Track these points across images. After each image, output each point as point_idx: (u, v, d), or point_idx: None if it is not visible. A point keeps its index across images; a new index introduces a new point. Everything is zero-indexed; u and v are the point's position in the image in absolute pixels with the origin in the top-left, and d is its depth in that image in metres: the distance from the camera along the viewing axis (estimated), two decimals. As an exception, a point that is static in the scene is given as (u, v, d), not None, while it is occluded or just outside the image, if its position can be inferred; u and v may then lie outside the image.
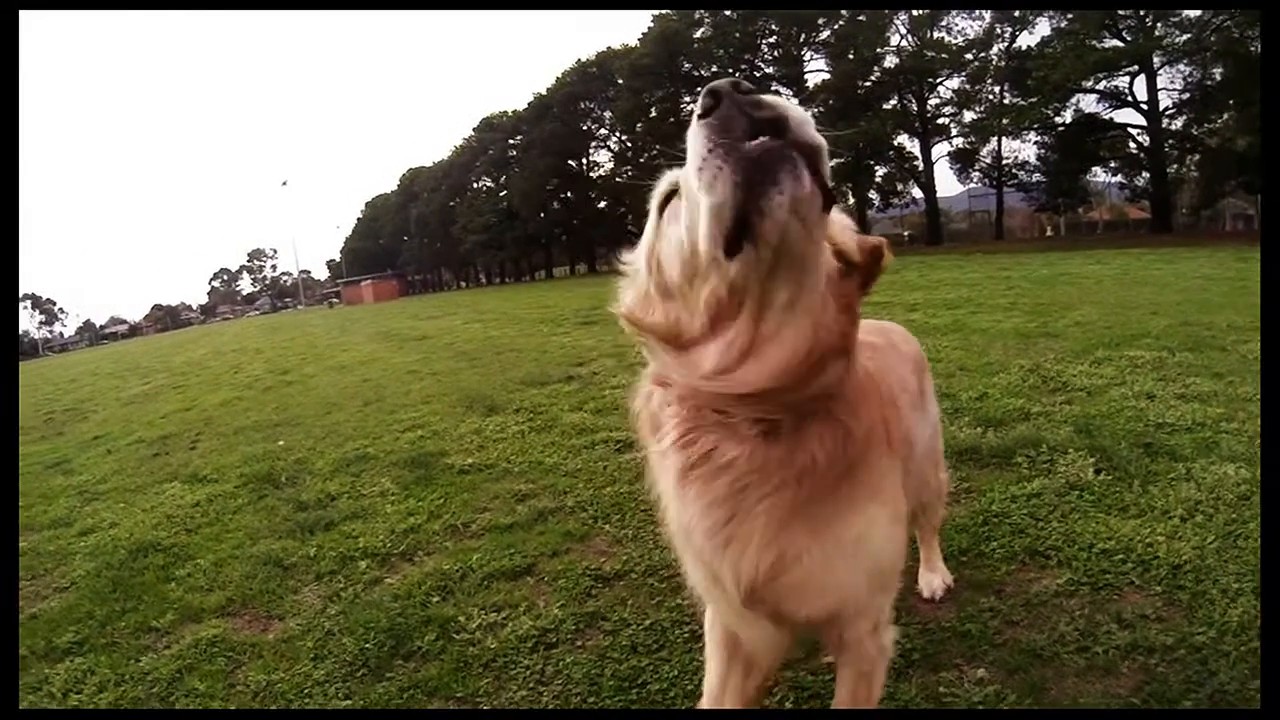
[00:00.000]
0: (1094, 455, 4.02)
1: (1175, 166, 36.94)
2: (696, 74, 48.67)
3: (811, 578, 1.49)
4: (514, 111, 63.88)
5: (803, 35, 45.15)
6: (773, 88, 46.60)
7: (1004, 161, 42.03)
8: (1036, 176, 41.27)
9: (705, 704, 1.93)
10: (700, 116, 1.17)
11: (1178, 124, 35.84)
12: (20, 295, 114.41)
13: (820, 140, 1.18)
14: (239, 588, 3.76)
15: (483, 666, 2.77)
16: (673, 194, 1.36)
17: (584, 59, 56.01)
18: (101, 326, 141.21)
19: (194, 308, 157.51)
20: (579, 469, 4.95)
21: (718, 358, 1.28)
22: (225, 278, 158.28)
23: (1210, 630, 2.46)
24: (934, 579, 2.87)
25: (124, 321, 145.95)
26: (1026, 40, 38.73)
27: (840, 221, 1.38)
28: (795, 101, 1.26)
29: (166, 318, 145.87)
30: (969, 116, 41.57)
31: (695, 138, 1.17)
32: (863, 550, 1.52)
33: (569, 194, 60.97)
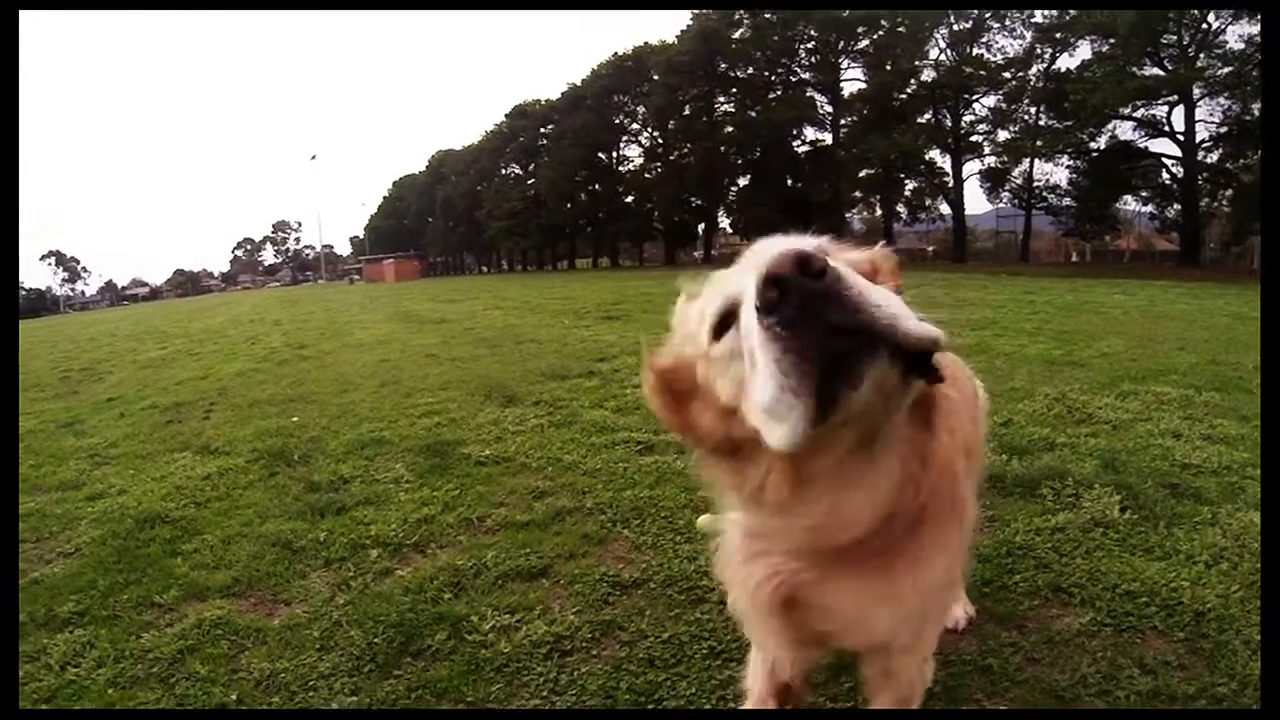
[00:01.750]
0: (1120, 492, 3.94)
1: (1207, 200, 36.42)
2: (733, 74, 48.60)
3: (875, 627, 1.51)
4: (547, 100, 63.76)
5: (841, 42, 44.84)
6: (808, 94, 46.45)
7: (1035, 184, 41.54)
8: (1066, 201, 40.73)
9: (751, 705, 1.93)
10: (761, 311, 1.02)
11: (1213, 157, 35.31)
12: (45, 252, 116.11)
13: (923, 332, 1.04)
14: (246, 568, 3.73)
15: (494, 670, 2.72)
16: (730, 315, 1.21)
17: (620, 52, 55.97)
18: (123, 287, 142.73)
19: (215, 275, 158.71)
20: (598, 469, 4.88)
21: (806, 519, 1.29)
22: (248, 247, 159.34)
23: (1232, 682, 2.42)
24: (956, 609, 2.81)
25: (145, 284, 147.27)
26: (1066, 63, 38.28)
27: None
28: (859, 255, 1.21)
29: (188, 283, 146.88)
30: (1003, 136, 41.05)
31: (759, 344, 1.04)
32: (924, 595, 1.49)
33: (597, 186, 60.79)
